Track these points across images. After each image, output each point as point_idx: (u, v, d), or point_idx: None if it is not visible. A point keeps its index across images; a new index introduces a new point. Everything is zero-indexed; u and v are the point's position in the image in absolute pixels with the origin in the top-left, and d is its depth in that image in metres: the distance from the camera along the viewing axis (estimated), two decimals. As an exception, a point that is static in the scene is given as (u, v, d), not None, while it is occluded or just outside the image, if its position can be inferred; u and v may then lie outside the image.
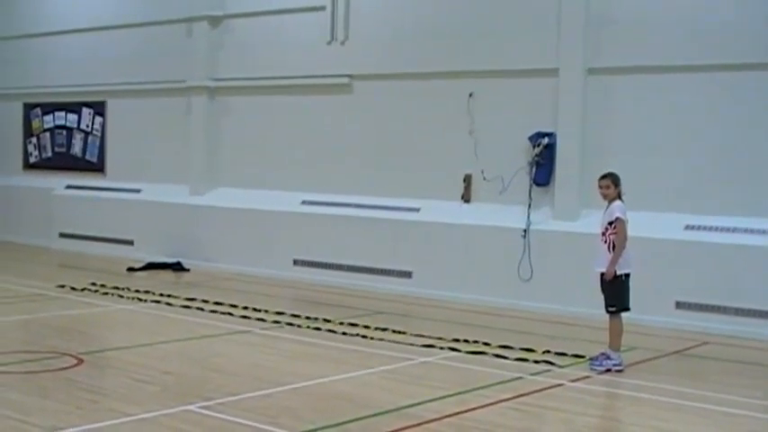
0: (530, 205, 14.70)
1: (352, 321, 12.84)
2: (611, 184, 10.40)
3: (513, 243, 14.62)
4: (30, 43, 22.52)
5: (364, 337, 11.85)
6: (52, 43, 21.97)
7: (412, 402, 8.59)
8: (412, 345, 11.39)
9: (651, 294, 12.72)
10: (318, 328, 12.36)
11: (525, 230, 14.61)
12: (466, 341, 11.61)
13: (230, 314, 13.25)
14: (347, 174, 16.96)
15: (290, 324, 12.65)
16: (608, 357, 10.28)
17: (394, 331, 12.19)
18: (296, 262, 17.21)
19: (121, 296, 14.61)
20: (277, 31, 18.00)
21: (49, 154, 22.38)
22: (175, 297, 14.52)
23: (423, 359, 10.64)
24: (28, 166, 22.94)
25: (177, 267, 18.20)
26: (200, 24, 18.98)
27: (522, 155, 14.89)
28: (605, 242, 10.31)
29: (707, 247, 13.10)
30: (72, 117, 21.78)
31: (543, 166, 14.65)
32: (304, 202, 17.37)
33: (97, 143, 21.33)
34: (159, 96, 19.95)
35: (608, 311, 10.40)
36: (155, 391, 8.85)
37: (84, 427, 7.47)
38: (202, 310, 13.58)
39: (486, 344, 11.46)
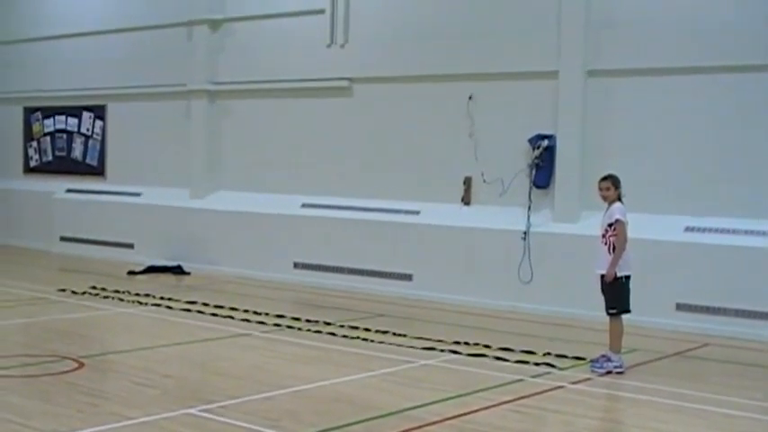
0: (530, 207, 14.70)
1: (353, 324, 12.84)
2: (611, 185, 10.40)
3: (514, 245, 14.63)
4: (30, 47, 22.53)
5: (365, 339, 11.85)
6: (52, 47, 21.99)
7: (413, 405, 8.59)
8: (413, 347, 11.39)
9: (652, 296, 12.72)
10: (319, 331, 12.36)
11: (525, 233, 14.61)
12: (466, 343, 11.61)
13: (231, 317, 13.25)
14: (347, 176, 16.97)
15: (291, 327, 12.65)
16: (608, 359, 10.28)
17: (395, 334, 12.19)
18: (296, 265, 17.21)
19: (122, 299, 14.61)
20: (277, 35, 18.01)
21: (50, 158, 22.39)
22: (176, 300, 14.52)
23: (423, 362, 10.64)
24: (28, 169, 22.95)
25: (178, 271, 18.21)
26: (200, 28, 19.00)
27: (522, 157, 14.89)
28: (605, 244, 10.31)
29: (707, 248, 13.10)
30: (72, 121, 21.79)
31: (543, 169, 14.66)
32: (304, 205, 17.38)
33: (97, 147, 21.34)
34: (159, 100, 19.97)
35: (608, 313, 10.40)
36: (155, 394, 8.85)
37: (85, 431, 7.46)
38: (203, 313, 13.58)
39: (486, 346, 11.46)
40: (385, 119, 16.58)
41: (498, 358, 10.84)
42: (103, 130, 21.20)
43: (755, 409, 9.01)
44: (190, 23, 19.14)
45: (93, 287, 15.57)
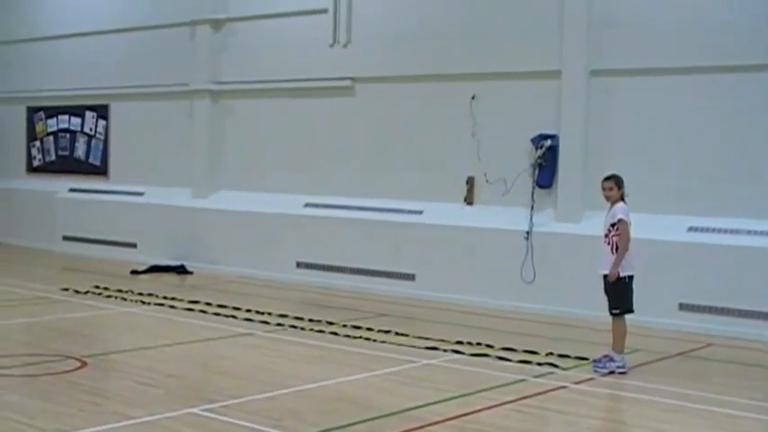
0: (532, 207, 14.69)
1: (356, 324, 12.84)
2: (614, 185, 10.39)
3: (516, 245, 14.62)
4: (33, 47, 22.56)
5: (368, 339, 11.85)
6: (56, 47, 22.02)
7: (415, 405, 8.58)
8: (415, 347, 11.38)
9: (654, 296, 12.71)
10: (322, 331, 12.36)
11: (528, 232, 14.60)
12: (469, 343, 11.61)
13: (234, 317, 13.26)
14: (350, 176, 16.98)
15: (294, 327, 12.65)
16: (611, 359, 10.27)
17: (397, 333, 12.19)
18: (299, 264, 17.22)
19: (125, 299, 14.62)
20: (279, 35, 18.02)
21: (53, 157, 22.41)
22: (179, 300, 14.53)
23: (426, 361, 10.63)
24: (31, 169, 22.97)
25: (180, 270, 18.22)
26: (203, 28, 19.01)
27: (525, 157, 14.89)
28: (608, 244, 10.31)
29: (710, 248, 13.09)
30: (75, 120, 21.81)
31: (546, 168, 14.65)
32: (307, 205, 17.38)
33: (100, 146, 21.36)
34: (162, 100, 19.98)
35: (612, 313, 10.39)
36: (158, 393, 8.86)
37: (88, 430, 7.46)
38: (206, 312, 13.59)
39: (489, 346, 11.45)
40: (388, 119, 16.58)
41: (501, 358, 10.83)
42: (106, 129, 21.21)
43: (758, 409, 9.00)
44: (193, 23, 19.16)
45: (96, 286, 15.58)
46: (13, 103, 23.17)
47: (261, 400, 8.65)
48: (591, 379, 9.99)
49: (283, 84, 17.93)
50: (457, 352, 11.15)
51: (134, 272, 17.85)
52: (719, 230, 13.19)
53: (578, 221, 14.31)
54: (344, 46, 17.11)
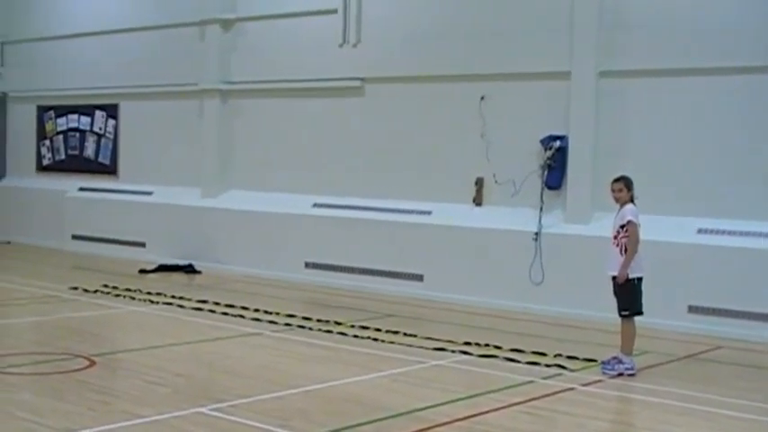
0: (541, 208, 14.67)
1: (364, 324, 12.84)
2: (623, 187, 10.37)
3: (525, 246, 14.60)
4: (43, 46, 22.61)
5: (375, 339, 11.85)
6: (65, 46, 22.06)
7: (423, 405, 8.58)
8: (423, 348, 11.38)
9: (664, 298, 12.68)
10: (330, 331, 12.37)
11: (537, 234, 14.58)
12: (477, 344, 11.60)
13: (242, 316, 13.27)
14: (359, 176, 16.97)
15: (302, 327, 12.65)
16: (620, 361, 10.25)
17: (405, 334, 12.19)
18: (307, 264, 17.22)
19: (133, 298, 14.65)
20: (289, 34, 18.02)
21: (62, 156, 22.45)
22: (187, 299, 14.54)
23: (434, 362, 10.63)
24: (41, 168, 23.01)
25: (189, 269, 18.24)
26: (212, 27, 19.02)
27: (534, 158, 14.87)
28: (617, 245, 10.29)
29: (720, 250, 13.05)
30: (85, 120, 21.85)
31: (555, 170, 14.63)
32: (315, 205, 17.39)
33: (110, 146, 21.39)
34: (172, 99, 20.00)
35: (621, 315, 10.37)
36: (166, 392, 8.87)
37: (97, 429, 7.49)
38: (214, 312, 13.60)
39: (497, 347, 11.44)
40: (397, 119, 16.57)
41: (509, 359, 10.82)
42: (116, 129, 21.24)
43: (767, 412, 8.98)
44: (202, 23, 19.17)
45: (105, 285, 15.61)
46: (24, 103, 23.23)
47: (269, 400, 8.66)
48: (599, 381, 9.97)
49: (293, 84, 17.94)
50: (465, 353, 11.14)
51: (143, 271, 17.87)
52: (729, 232, 13.15)
53: (587, 223, 14.29)
54: (354, 46, 17.11)
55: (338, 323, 12.91)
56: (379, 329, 12.48)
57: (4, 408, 8.10)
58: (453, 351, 11.22)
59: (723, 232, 13.19)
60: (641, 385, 9.84)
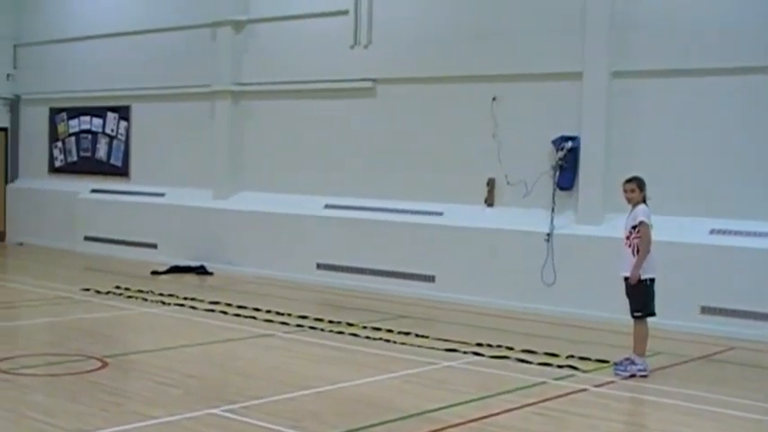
0: (553, 209, 14.65)
1: (376, 325, 12.83)
2: (636, 188, 10.35)
3: (537, 247, 14.58)
4: (55, 48, 22.68)
5: (387, 341, 11.84)
6: (77, 48, 22.12)
7: (435, 407, 8.57)
8: (435, 349, 11.37)
9: (676, 299, 12.63)
10: (341, 332, 12.37)
11: (549, 234, 14.56)
12: (489, 345, 11.58)
13: (253, 318, 13.27)
14: (370, 177, 16.97)
15: (313, 328, 12.65)
16: (632, 362, 10.22)
17: (417, 335, 12.18)
18: (319, 266, 17.22)
19: (145, 299, 14.67)
20: (300, 36, 18.03)
21: (75, 158, 22.51)
22: (199, 300, 14.56)
23: (446, 363, 10.62)
24: (53, 170, 23.07)
25: (201, 271, 18.26)
26: (224, 29, 19.05)
27: (546, 159, 14.85)
28: (629, 246, 10.26)
29: (732, 251, 13.00)
30: (97, 121, 21.90)
31: (567, 170, 14.60)
32: (327, 206, 17.39)
33: (122, 147, 21.44)
34: (183, 101, 20.04)
35: (633, 316, 10.34)
36: (178, 394, 8.88)
37: (109, 430, 7.50)
38: (226, 313, 13.61)
39: (509, 348, 11.43)
40: (408, 120, 16.56)
41: (521, 360, 10.81)
42: (128, 130, 21.29)
43: (781, 413, 8.96)
44: (214, 25, 19.19)
45: (117, 287, 15.64)
46: (36, 105, 23.30)
47: (281, 401, 8.66)
48: (612, 382, 9.95)
49: (304, 85, 17.95)
50: (477, 354, 11.13)
51: (155, 272, 17.91)
52: (742, 233, 13.09)
53: (599, 223, 14.25)
54: (365, 47, 17.11)
55: (350, 324, 12.90)
56: (390, 330, 12.47)
57: (16, 408, 8.12)
58: (465, 352, 11.21)
59: (736, 233, 13.14)
60: (654, 386, 9.81)
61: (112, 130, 21.57)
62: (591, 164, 14.45)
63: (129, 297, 14.85)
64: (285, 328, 12.61)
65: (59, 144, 22.84)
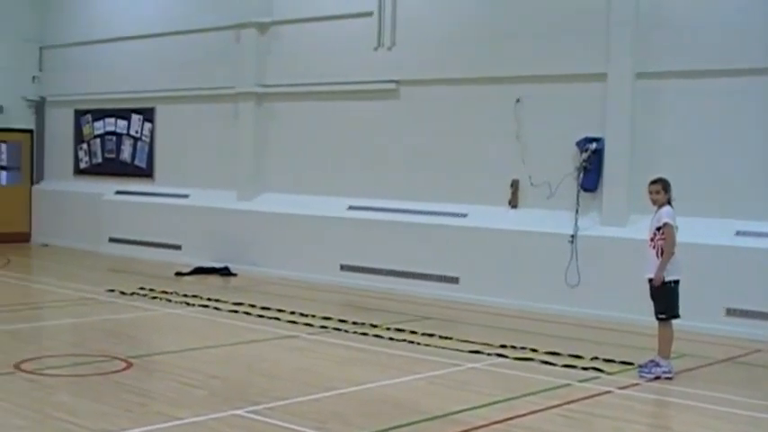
0: (577, 211, 14.60)
1: (399, 327, 12.82)
2: (661, 189, 10.30)
3: (561, 249, 14.53)
4: (80, 51, 22.81)
5: (411, 342, 11.84)
6: (102, 51, 22.24)
7: (459, 408, 8.57)
8: (459, 350, 11.35)
9: (701, 301, 12.56)
10: (365, 334, 12.37)
11: (573, 236, 14.51)
12: (513, 347, 11.55)
13: (277, 319, 13.30)
14: (394, 179, 16.97)
15: (337, 329, 12.66)
16: (657, 365, 10.18)
17: (441, 337, 12.16)
18: (342, 267, 17.24)
19: (170, 300, 14.72)
20: (324, 38, 18.05)
21: (99, 160, 22.62)
22: (223, 302, 14.60)
23: (470, 365, 10.61)
24: (78, 171, 23.20)
25: (225, 272, 18.31)
26: (248, 31, 19.09)
27: (570, 160, 14.80)
28: (653, 248, 10.22)
29: (758, 253, 12.92)
30: (122, 123, 22.00)
31: (591, 172, 14.55)
32: (351, 208, 17.40)
33: (146, 149, 21.53)
34: (208, 102, 20.10)
35: (657, 318, 10.30)
36: (203, 395, 8.91)
37: (134, 431, 7.53)
38: (250, 314, 13.65)
39: (533, 350, 11.40)
40: (432, 121, 16.55)
41: (545, 362, 10.78)
42: (152, 132, 21.38)
43: (808, 416, 8.89)
44: (238, 27, 19.24)
45: (142, 288, 15.70)
46: (62, 107, 23.44)
47: (305, 403, 8.67)
48: (636, 384, 9.91)
49: (328, 86, 17.97)
50: (501, 356, 11.11)
51: (179, 273, 17.96)
52: (768, 235, 13.03)
53: (624, 225, 14.19)
54: (389, 49, 17.11)
55: (374, 325, 12.91)
56: (414, 332, 12.46)
57: (42, 409, 8.18)
58: (489, 354, 11.19)
59: (762, 234, 13.05)
60: (679, 389, 9.76)
61: (137, 132, 21.67)
62: (615, 165, 14.40)
63: (154, 298, 14.91)
64: (309, 329, 12.63)
65: (84, 146, 22.96)
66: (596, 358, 10.99)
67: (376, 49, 17.23)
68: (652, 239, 10.26)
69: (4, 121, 23.41)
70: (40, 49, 23.86)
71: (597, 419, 8.52)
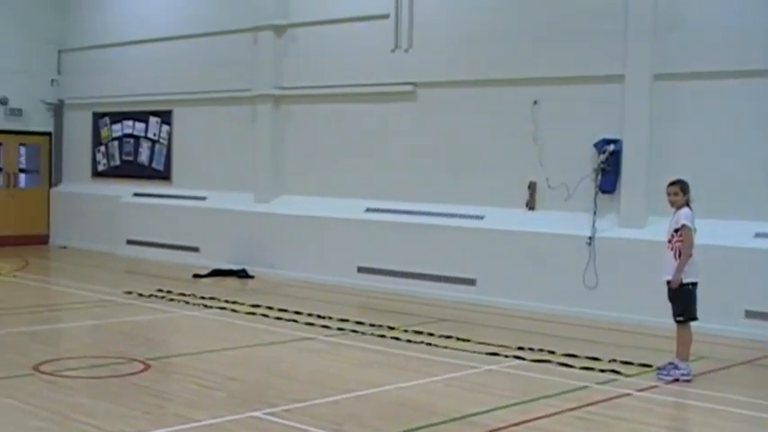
0: (595, 212, 14.56)
1: (417, 329, 12.82)
2: (679, 191, 10.25)
3: (579, 251, 14.50)
4: (98, 54, 22.90)
5: (428, 344, 11.83)
6: (120, 54, 22.33)
7: (477, 410, 8.55)
8: (476, 352, 11.34)
9: (720, 303, 12.51)
10: (383, 336, 12.37)
11: (590, 238, 14.47)
12: (530, 349, 11.53)
13: (295, 321, 13.31)
14: (411, 181, 16.96)
15: (355, 331, 12.66)
16: (676, 367, 10.13)
17: (458, 339, 12.15)
18: (360, 269, 17.24)
19: (187, 302, 14.76)
20: (341, 40, 18.07)
21: (117, 162, 22.70)
22: (240, 304, 14.62)
23: (487, 367, 10.59)
24: (96, 174, 23.29)
25: (242, 274, 18.33)
26: (265, 33, 19.12)
27: (588, 162, 14.76)
28: (671, 250, 10.18)
29: (777, 255, 12.87)
30: (139, 126, 22.08)
31: (609, 173, 14.51)
32: (368, 210, 17.40)
33: (164, 151, 21.59)
34: (225, 105, 20.15)
35: (676, 321, 10.26)
36: (221, 397, 8.93)
37: (152, 432, 7.57)
38: (267, 316, 13.66)
39: (551, 352, 11.37)
40: (449, 123, 16.54)
41: (563, 364, 10.74)
42: (170, 134, 21.45)
43: (828, 419, 8.84)
44: (255, 29, 19.27)
45: (159, 290, 15.74)
46: (80, 109, 23.54)
47: (322, 405, 8.68)
48: (655, 387, 9.87)
49: (345, 89, 17.98)
50: (518, 358, 11.08)
51: (196, 276, 18.00)
52: (787, 237, 12.96)
53: (642, 227, 14.14)
54: (406, 51, 17.11)
55: (391, 328, 12.90)
56: (432, 334, 12.45)
57: (60, 410, 8.21)
58: (506, 356, 11.17)
59: (781, 236, 12.99)
60: (697, 391, 9.71)
61: (155, 135, 21.74)
62: (633, 167, 14.35)
63: (171, 300, 14.95)
64: (326, 331, 12.63)
65: (102, 148, 23.05)
66: (614, 360, 10.95)
67: (393, 51, 17.23)
68: (670, 241, 10.22)
69: (23, 123, 23.54)
70: (59, 52, 23.97)
71: (615, 422, 8.49)
